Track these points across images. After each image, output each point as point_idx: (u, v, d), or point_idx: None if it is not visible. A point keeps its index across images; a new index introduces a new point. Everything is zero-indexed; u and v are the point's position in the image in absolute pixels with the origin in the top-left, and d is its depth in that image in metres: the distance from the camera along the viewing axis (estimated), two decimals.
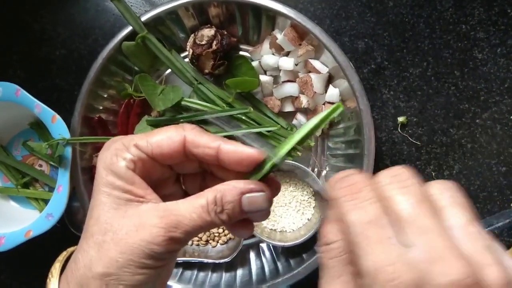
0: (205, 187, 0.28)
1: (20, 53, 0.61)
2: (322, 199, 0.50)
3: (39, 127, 0.58)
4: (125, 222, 0.25)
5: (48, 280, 0.28)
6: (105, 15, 0.59)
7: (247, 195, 0.26)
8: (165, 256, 0.26)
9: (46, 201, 0.58)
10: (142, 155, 0.27)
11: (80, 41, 0.59)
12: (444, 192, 0.22)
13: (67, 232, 0.56)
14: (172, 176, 0.30)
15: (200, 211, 0.25)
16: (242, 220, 0.27)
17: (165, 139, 0.27)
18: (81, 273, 0.25)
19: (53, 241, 0.55)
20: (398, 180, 0.22)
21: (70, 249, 0.31)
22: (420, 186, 0.22)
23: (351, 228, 0.21)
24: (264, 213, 0.27)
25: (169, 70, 0.57)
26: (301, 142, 0.27)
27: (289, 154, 0.27)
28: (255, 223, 0.40)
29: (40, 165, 0.59)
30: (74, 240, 0.54)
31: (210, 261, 0.51)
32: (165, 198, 0.28)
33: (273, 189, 0.28)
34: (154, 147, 0.27)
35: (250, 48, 0.54)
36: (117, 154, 0.27)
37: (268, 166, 0.26)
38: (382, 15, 0.53)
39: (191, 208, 0.25)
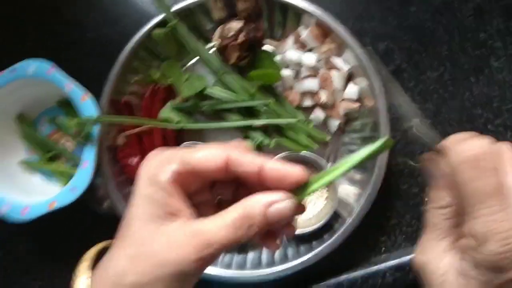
0: (238, 195, 0.30)
1: (50, 34, 0.63)
2: (334, 192, 0.52)
3: (66, 106, 0.60)
4: (158, 238, 0.26)
5: (74, 276, 0.29)
6: (135, 5, 0.61)
7: (274, 205, 0.26)
8: (195, 273, 0.27)
9: (69, 176, 0.60)
10: (185, 169, 0.27)
11: (109, 27, 0.62)
12: None
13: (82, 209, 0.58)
14: (207, 185, 0.31)
15: (230, 229, 0.26)
16: (270, 234, 0.29)
17: (209, 156, 0.28)
18: (112, 280, 0.26)
19: (70, 218, 0.58)
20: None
21: (98, 246, 0.33)
22: None
23: (471, 198, 0.24)
24: (291, 229, 0.30)
25: (193, 60, 0.59)
26: (347, 171, 0.27)
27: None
28: None
29: (65, 142, 0.61)
30: (90, 217, 0.57)
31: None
32: (198, 205, 0.29)
33: (300, 209, 0.29)
34: (197, 163, 0.28)
35: (274, 43, 0.56)
36: (161, 167, 0.27)
37: (311, 188, 0.27)
38: (403, 19, 0.55)
39: (220, 226, 0.26)
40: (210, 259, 0.26)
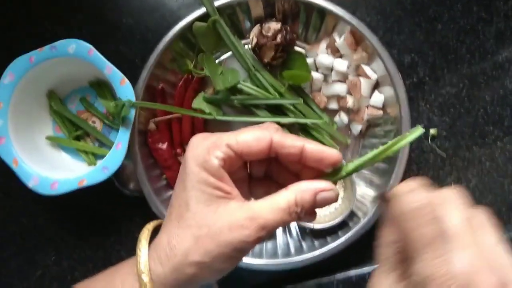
0: (270, 172, 0.35)
1: (88, 15, 0.65)
2: (352, 193, 0.56)
3: (98, 87, 0.62)
4: (217, 218, 0.29)
5: (138, 257, 0.31)
6: None
7: (321, 193, 0.30)
8: (249, 250, 0.31)
9: (95, 155, 0.62)
10: (231, 154, 0.30)
11: (147, 14, 0.64)
12: (480, 215, 0.27)
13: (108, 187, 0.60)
14: (243, 165, 0.34)
15: (283, 213, 0.29)
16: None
17: (253, 140, 0.30)
18: (178, 259, 0.29)
19: (94, 195, 0.60)
20: (452, 201, 0.27)
21: (149, 226, 0.35)
22: (466, 208, 0.27)
23: (414, 243, 0.26)
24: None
25: (226, 54, 0.61)
26: (376, 158, 0.32)
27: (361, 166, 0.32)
28: None
29: (94, 122, 0.63)
30: (114, 196, 0.59)
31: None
32: (234, 182, 0.31)
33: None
34: (243, 147, 0.30)
35: (306, 46, 0.59)
36: (210, 153, 0.30)
37: (345, 171, 0.31)
38: (430, 35, 0.59)
39: (275, 210, 0.29)
40: (263, 239, 0.31)
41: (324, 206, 0.30)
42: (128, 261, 0.34)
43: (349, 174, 0.32)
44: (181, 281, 0.30)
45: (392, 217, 0.29)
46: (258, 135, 0.30)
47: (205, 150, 0.30)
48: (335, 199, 0.31)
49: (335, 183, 0.31)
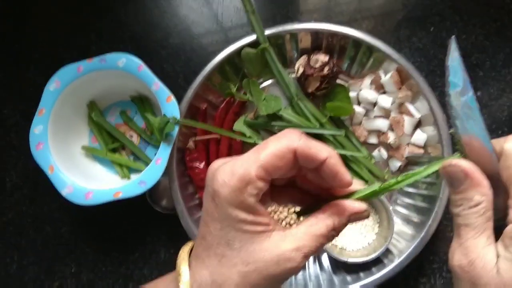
0: (293, 178, 0.33)
1: (135, 32, 0.66)
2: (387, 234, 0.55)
3: (140, 101, 0.63)
4: (264, 254, 0.29)
5: (181, 285, 0.30)
6: (219, 22, 0.65)
7: (356, 215, 0.31)
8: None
9: (129, 169, 0.62)
10: (264, 186, 0.29)
11: (194, 36, 0.65)
12: None
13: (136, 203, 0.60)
14: None
15: (323, 239, 0.30)
16: None
17: (279, 161, 0.28)
18: None
19: (123, 209, 0.60)
20: None
21: (188, 247, 0.34)
22: None
23: None
24: None
25: (269, 81, 0.62)
26: (411, 179, 0.31)
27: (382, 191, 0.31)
28: None
29: (131, 136, 0.63)
30: (145, 212, 0.58)
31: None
32: None
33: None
34: (272, 173, 0.29)
35: (349, 80, 0.60)
36: (243, 192, 0.28)
37: (371, 191, 0.31)
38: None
39: (317, 237, 0.29)
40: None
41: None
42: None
43: (377, 194, 0.31)
44: None
45: (480, 177, 0.29)
46: (283, 154, 0.28)
47: (237, 191, 0.28)
48: (365, 218, 0.31)
49: (366, 200, 0.31)
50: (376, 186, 0.31)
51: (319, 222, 0.30)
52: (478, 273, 0.28)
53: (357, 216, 0.31)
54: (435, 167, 0.31)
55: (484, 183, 0.29)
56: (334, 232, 0.30)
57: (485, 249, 0.29)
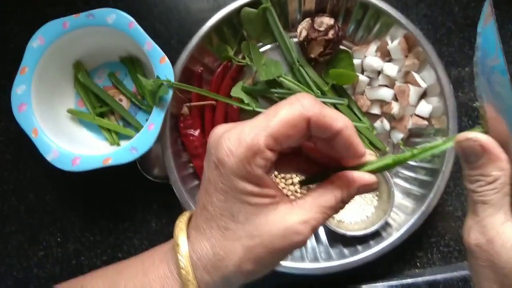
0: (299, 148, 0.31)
1: None
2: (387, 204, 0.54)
3: (131, 63, 0.59)
4: (270, 227, 0.27)
5: (179, 256, 0.29)
6: None
7: (364, 187, 0.29)
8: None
9: (118, 135, 0.59)
10: (273, 157, 0.27)
11: None
12: None
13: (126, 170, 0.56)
14: None
15: (331, 210, 0.29)
16: None
17: (291, 130, 0.26)
18: (230, 270, 0.28)
19: (113, 176, 0.57)
20: None
21: (187, 214, 0.32)
22: None
23: None
24: None
25: (268, 46, 0.59)
26: (421, 154, 0.29)
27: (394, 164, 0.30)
28: None
29: (120, 100, 0.60)
30: (135, 179, 0.56)
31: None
32: None
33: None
34: (283, 142, 0.26)
35: (353, 46, 0.57)
36: (250, 162, 0.26)
37: (383, 164, 0.29)
38: None
39: (325, 208, 0.28)
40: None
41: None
42: (160, 260, 0.30)
43: (389, 167, 0.30)
44: (229, 287, 0.29)
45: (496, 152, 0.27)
46: (295, 122, 0.26)
47: (245, 161, 0.26)
48: (374, 190, 0.31)
49: (376, 172, 0.30)
50: (389, 158, 0.30)
51: (327, 194, 0.29)
52: (498, 251, 0.27)
53: (366, 188, 0.29)
54: (449, 144, 0.29)
55: (503, 157, 0.27)
56: (342, 204, 0.29)
57: (503, 226, 0.28)
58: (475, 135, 0.27)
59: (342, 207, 0.29)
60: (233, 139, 0.27)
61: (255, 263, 0.28)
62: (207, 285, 0.28)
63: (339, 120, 0.26)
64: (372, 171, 0.30)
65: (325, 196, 0.29)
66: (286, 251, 0.28)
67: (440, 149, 0.29)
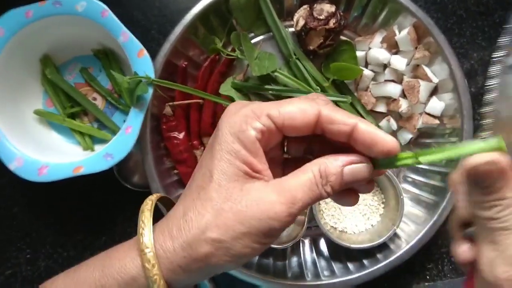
0: (310, 152, 0.30)
1: None
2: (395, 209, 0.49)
3: (105, 56, 0.52)
4: (243, 195, 0.26)
5: (140, 229, 0.27)
6: None
7: (348, 166, 0.26)
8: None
9: (92, 139, 0.52)
10: (272, 126, 0.26)
11: None
12: None
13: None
14: (281, 142, 0.30)
15: (309, 185, 0.26)
16: (347, 190, 0.28)
17: (298, 112, 0.26)
18: (193, 234, 0.26)
19: (87, 183, 0.51)
20: None
21: (153, 197, 0.31)
22: None
23: None
24: (368, 184, 0.28)
25: (261, 36, 0.53)
26: (444, 155, 0.25)
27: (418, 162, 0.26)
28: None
29: (94, 99, 0.53)
30: (113, 187, 0.50)
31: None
32: (268, 162, 0.28)
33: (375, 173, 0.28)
34: (286, 119, 0.26)
35: (355, 36, 0.52)
36: (247, 122, 0.26)
37: (401, 162, 0.26)
38: (493, 42, 0.52)
39: (300, 182, 0.26)
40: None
41: (354, 182, 0.27)
42: (129, 241, 0.29)
43: (403, 165, 0.26)
44: (192, 260, 0.26)
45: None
46: (304, 107, 0.26)
47: (243, 118, 0.26)
48: (366, 175, 0.27)
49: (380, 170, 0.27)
50: (409, 153, 0.26)
51: (305, 167, 0.27)
52: None
53: (353, 170, 0.26)
54: (494, 143, 0.24)
55: None
56: (322, 180, 0.26)
57: None
58: (496, 158, 0.23)
59: (328, 191, 0.26)
60: (242, 103, 0.28)
61: (222, 231, 0.25)
62: (165, 253, 0.26)
63: (352, 117, 0.26)
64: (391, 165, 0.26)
65: (302, 170, 0.27)
66: (260, 225, 0.25)
67: (468, 151, 0.24)
